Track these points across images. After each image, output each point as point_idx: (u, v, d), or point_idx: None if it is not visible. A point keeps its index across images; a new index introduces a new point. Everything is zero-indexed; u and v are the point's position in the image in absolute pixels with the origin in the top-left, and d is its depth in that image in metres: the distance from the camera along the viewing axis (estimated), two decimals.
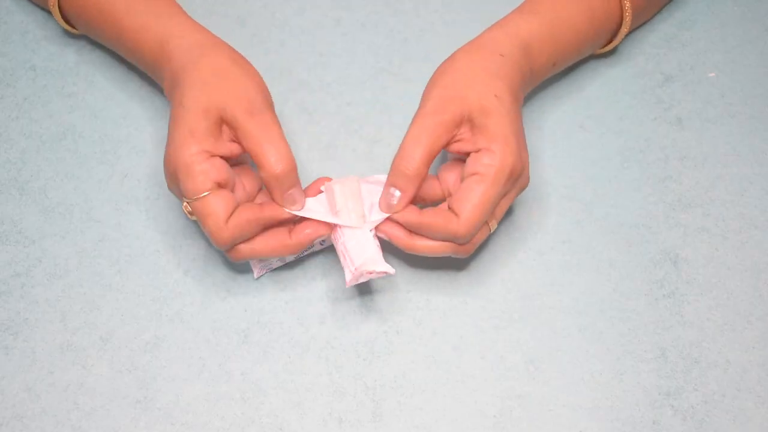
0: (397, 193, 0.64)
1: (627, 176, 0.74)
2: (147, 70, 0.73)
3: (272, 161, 0.63)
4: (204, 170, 0.63)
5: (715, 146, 0.76)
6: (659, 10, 0.82)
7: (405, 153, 0.64)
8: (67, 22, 0.76)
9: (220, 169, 0.64)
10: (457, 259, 0.69)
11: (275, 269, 0.70)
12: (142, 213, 0.72)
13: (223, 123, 0.65)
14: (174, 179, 0.64)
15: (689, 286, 0.70)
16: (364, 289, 0.69)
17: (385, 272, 0.64)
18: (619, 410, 0.65)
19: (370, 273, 0.63)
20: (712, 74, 0.79)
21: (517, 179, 0.65)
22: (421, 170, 0.64)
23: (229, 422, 0.64)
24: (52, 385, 0.65)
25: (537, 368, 0.66)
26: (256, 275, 0.69)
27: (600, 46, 0.77)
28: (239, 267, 0.70)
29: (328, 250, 0.71)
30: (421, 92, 0.67)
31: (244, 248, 0.65)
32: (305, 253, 0.70)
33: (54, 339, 0.67)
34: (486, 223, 0.66)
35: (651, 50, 0.80)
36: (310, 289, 0.69)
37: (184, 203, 0.64)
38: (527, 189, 0.73)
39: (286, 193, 0.64)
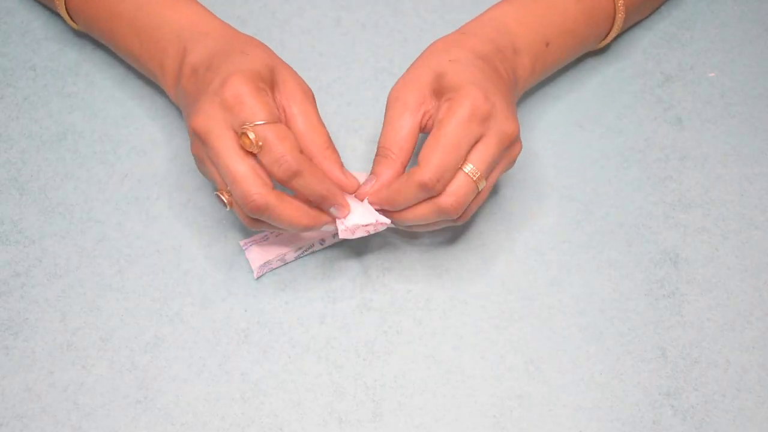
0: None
1: (627, 176, 0.74)
2: (153, 67, 0.71)
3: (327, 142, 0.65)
4: (271, 103, 0.62)
5: (715, 146, 0.76)
6: (658, 7, 0.82)
7: (381, 138, 0.65)
8: (71, 17, 0.76)
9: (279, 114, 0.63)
10: (456, 230, 0.67)
11: (275, 269, 0.70)
12: (142, 213, 0.72)
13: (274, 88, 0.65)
14: (228, 108, 0.61)
15: (689, 286, 0.70)
16: (364, 289, 0.69)
17: (380, 223, 0.63)
18: (619, 410, 0.65)
19: (366, 226, 0.63)
20: (712, 74, 0.79)
21: (485, 121, 0.62)
22: (387, 145, 0.64)
23: (229, 422, 0.64)
24: (52, 385, 0.65)
25: (537, 368, 0.66)
26: (256, 275, 0.69)
27: (597, 40, 0.77)
28: (239, 267, 0.70)
29: (328, 249, 0.71)
30: None
31: (277, 204, 0.61)
32: (306, 254, 0.70)
33: (54, 339, 0.67)
34: (471, 178, 0.62)
35: (651, 50, 0.80)
36: (310, 289, 0.69)
37: (247, 129, 0.60)
38: (527, 190, 0.73)
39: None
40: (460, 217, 0.65)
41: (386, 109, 0.66)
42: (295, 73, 0.67)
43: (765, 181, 0.74)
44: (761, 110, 0.77)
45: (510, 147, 0.65)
